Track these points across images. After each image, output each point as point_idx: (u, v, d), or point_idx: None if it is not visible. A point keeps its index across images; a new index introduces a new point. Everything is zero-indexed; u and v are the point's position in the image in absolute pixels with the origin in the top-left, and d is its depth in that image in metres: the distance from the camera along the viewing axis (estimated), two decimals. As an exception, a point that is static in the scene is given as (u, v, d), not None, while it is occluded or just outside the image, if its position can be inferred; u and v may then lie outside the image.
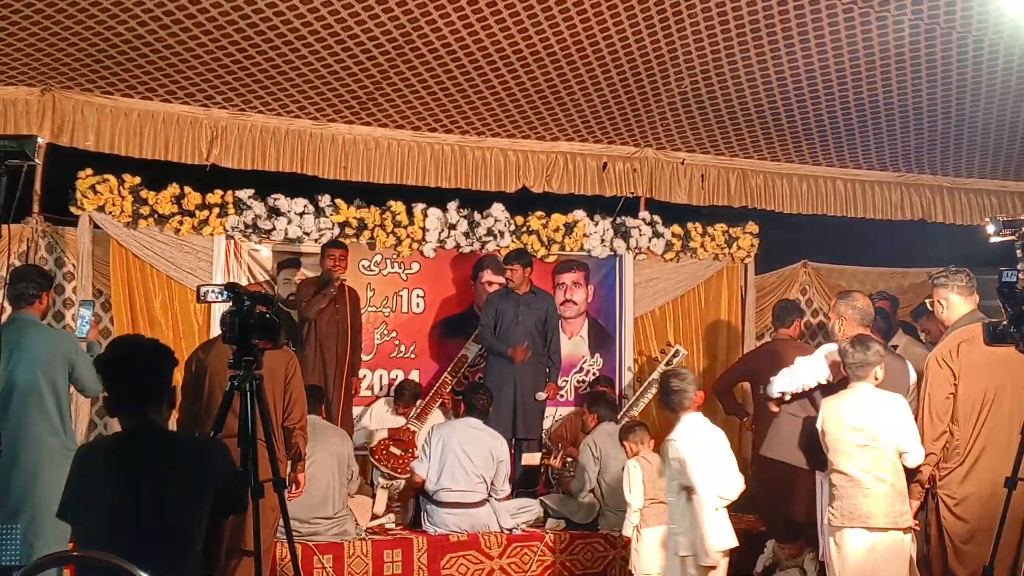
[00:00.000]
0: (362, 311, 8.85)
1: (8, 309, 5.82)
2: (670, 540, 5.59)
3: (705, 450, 5.46)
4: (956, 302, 5.68)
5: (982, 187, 10.79)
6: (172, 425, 4.57)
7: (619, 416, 8.51)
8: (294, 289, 8.62)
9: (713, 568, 5.40)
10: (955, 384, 5.45)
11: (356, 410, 8.86)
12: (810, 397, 5.82)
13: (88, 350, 6.07)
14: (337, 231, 8.84)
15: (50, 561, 3.31)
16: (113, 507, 3.45)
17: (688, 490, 5.40)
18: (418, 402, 8.67)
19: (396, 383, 8.93)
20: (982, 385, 5.44)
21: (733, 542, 5.46)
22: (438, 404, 8.76)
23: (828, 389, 5.66)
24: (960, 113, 8.69)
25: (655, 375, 9.12)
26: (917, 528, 5.39)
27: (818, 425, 5.37)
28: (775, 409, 6.00)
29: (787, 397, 5.88)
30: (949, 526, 5.37)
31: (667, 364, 9.20)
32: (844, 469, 5.18)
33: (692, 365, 9.98)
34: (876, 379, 5.31)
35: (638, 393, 9.21)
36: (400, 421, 8.57)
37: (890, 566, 5.12)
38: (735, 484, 5.48)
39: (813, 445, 5.56)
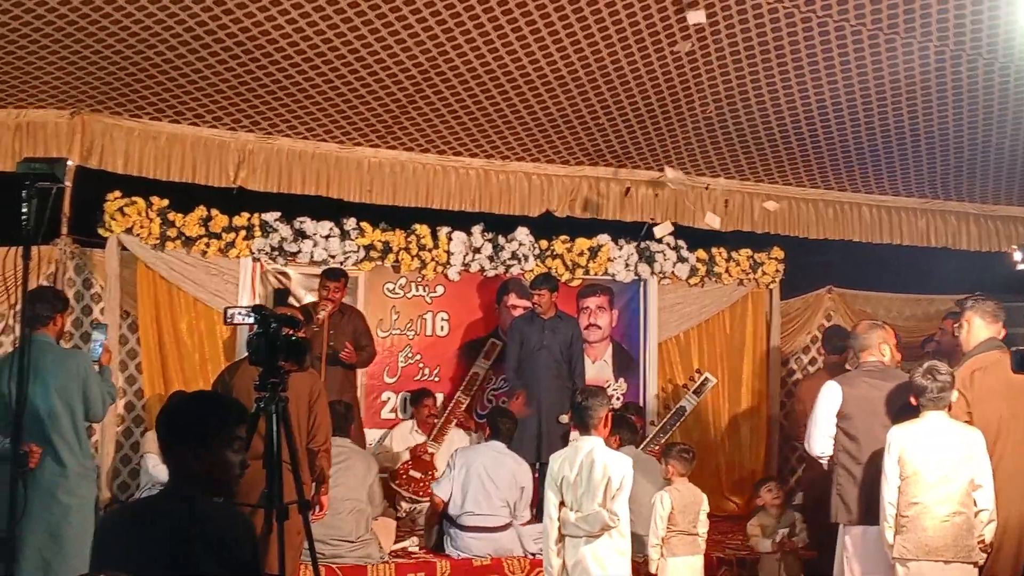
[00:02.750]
0: (384, 334, 8.92)
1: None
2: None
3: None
4: (978, 326, 5.69)
5: (1009, 214, 10.72)
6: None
7: (642, 443, 8.49)
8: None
9: None
10: (969, 412, 5.44)
11: (378, 433, 8.88)
12: None
13: (99, 374, 6.07)
14: (362, 254, 8.88)
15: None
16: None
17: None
18: (436, 421, 8.68)
19: (413, 399, 8.93)
20: (995, 415, 5.43)
21: None
22: (454, 423, 8.75)
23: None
24: (986, 139, 8.66)
25: (683, 402, 9.12)
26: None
27: (893, 454, 5.20)
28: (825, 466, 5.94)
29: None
30: None
31: (696, 392, 9.20)
32: (921, 500, 5.09)
33: (716, 390, 9.95)
34: (948, 408, 5.27)
35: (664, 420, 9.18)
36: (421, 441, 8.59)
37: None
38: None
39: None
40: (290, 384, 4.81)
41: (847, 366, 6.89)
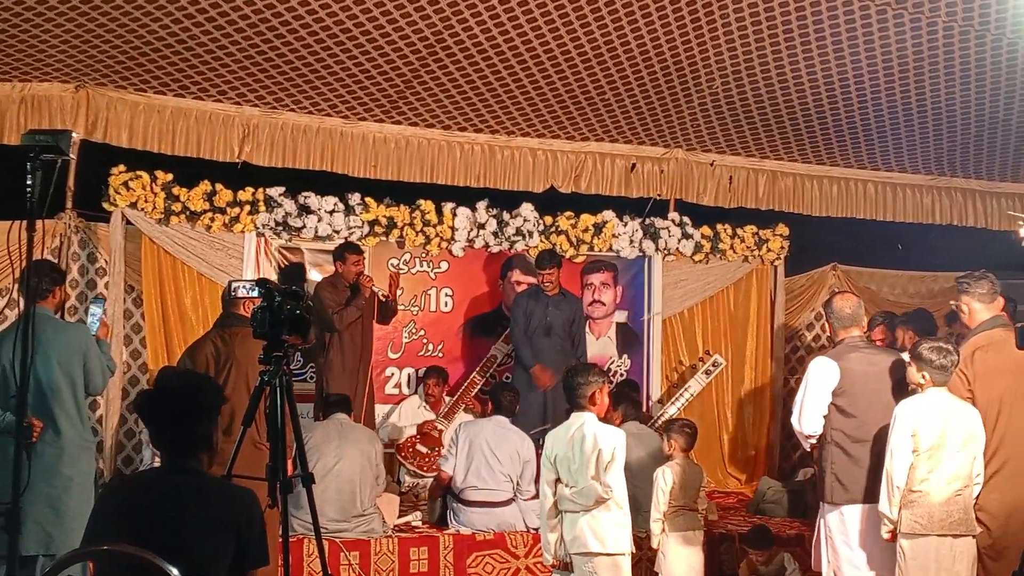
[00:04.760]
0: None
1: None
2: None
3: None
4: (977, 309, 5.62)
5: (1015, 191, 10.69)
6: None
7: (648, 421, 8.50)
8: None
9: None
10: (970, 391, 5.40)
11: (384, 408, 8.90)
12: None
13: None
14: (367, 229, 8.88)
15: (81, 556, 3.28)
16: (131, 544, 3.24)
17: None
18: (446, 399, 8.70)
19: (423, 374, 8.95)
20: (998, 392, 5.38)
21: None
22: (463, 406, 8.76)
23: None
24: (993, 116, 8.62)
25: (692, 383, 9.14)
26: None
27: (905, 429, 5.16)
28: (814, 444, 5.84)
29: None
30: None
31: (706, 373, 9.23)
32: (934, 474, 5.08)
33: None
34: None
35: (672, 399, 9.22)
36: (430, 418, 8.60)
37: (964, 571, 5.09)
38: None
39: None
40: (244, 348, 4.78)
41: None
